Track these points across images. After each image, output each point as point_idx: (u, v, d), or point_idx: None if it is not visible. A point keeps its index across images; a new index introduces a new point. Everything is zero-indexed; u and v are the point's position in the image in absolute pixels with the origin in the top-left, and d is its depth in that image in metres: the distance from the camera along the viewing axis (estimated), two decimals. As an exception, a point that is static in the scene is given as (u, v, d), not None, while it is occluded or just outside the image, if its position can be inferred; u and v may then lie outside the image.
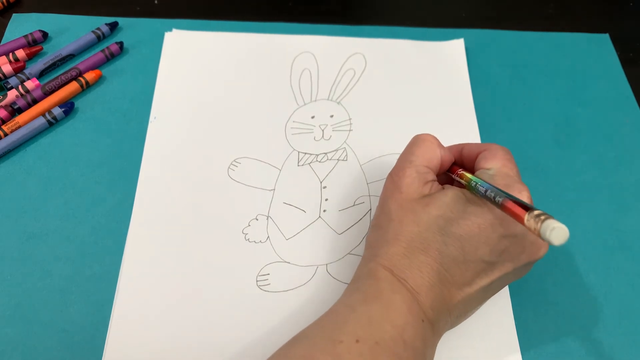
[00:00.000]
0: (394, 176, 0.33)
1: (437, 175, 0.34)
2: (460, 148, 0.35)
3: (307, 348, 0.27)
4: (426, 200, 0.31)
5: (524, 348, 0.35)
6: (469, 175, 0.32)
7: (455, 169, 0.35)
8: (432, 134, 0.35)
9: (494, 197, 0.28)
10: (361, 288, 0.30)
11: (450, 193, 0.31)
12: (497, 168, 0.32)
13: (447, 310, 0.30)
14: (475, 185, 0.30)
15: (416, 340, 0.28)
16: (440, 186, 0.33)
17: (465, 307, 0.31)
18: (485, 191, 0.29)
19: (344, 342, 0.27)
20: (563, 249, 0.39)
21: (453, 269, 0.29)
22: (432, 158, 0.34)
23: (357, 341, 0.27)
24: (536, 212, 0.25)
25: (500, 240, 0.29)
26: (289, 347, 0.29)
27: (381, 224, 0.32)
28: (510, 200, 0.27)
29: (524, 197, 0.30)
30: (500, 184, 0.30)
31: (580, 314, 0.37)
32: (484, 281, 0.30)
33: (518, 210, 0.26)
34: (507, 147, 0.34)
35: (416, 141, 0.34)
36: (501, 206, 0.27)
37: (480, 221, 0.29)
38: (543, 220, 0.24)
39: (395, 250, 0.30)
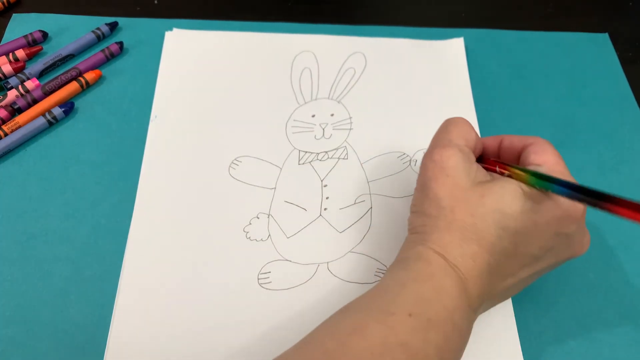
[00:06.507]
0: (435, 156, 0.31)
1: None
2: (498, 139, 0.34)
3: (360, 318, 0.27)
4: (480, 191, 0.30)
5: (525, 348, 0.35)
6: (535, 170, 0.30)
7: (492, 162, 0.33)
8: (433, 132, 0.34)
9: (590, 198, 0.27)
10: (411, 268, 0.29)
11: (509, 187, 0.30)
12: (549, 166, 0.31)
13: (489, 299, 0.31)
14: (551, 184, 0.29)
15: (463, 324, 0.28)
16: (486, 172, 0.32)
17: (503, 296, 0.32)
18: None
19: (397, 315, 0.27)
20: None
21: (503, 262, 0.29)
22: (470, 139, 0.32)
23: (410, 315, 0.27)
24: None
25: (552, 237, 0.30)
26: (338, 318, 0.28)
27: (429, 211, 0.31)
28: (628, 201, 0.25)
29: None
30: None
31: (580, 314, 0.37)
32: (526, 273, 0.31)
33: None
34: (507, 146, 0.34)
35: (451, 122, 0.33)
36: (613, 208, 0.26)
37: (537, 218, 0.29)
38: None
39: (450, 239, 0.29)
